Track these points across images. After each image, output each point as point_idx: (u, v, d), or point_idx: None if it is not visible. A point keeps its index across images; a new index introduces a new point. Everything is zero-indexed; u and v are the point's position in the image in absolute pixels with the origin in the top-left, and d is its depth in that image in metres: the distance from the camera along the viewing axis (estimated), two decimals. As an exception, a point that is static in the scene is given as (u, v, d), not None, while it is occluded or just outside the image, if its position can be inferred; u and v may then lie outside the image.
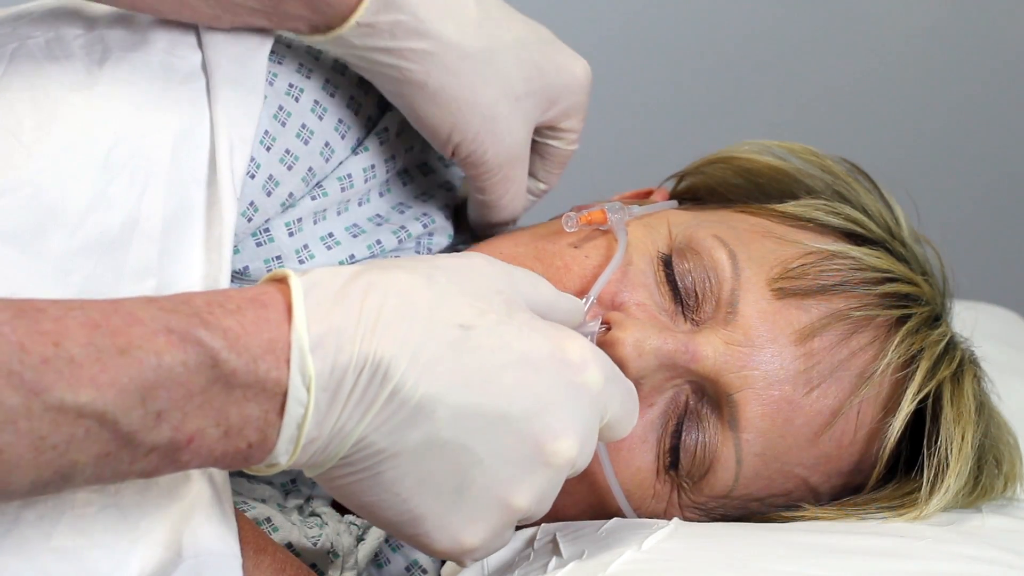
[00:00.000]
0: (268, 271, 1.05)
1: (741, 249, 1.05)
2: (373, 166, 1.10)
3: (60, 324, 0.73)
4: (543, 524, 1.02)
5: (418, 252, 1.13)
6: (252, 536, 0.95)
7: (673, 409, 1.02)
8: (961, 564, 0.95)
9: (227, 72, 1.02)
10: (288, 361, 0.77)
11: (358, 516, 1.07)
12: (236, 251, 1.04)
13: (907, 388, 1.04)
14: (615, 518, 1.02)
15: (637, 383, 1.00)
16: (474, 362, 0.81)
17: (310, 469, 0.81)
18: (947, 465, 1.03)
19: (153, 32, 1.02)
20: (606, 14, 2.32)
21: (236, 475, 1.08)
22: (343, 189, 1.08)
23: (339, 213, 1.09)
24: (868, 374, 1.03)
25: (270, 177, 1.03)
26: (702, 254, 1.05)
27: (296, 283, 0.79)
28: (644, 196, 1.21)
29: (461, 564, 0.87)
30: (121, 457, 0.75)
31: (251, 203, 1.03)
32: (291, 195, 1.05)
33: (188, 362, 0.75)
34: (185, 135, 0.98)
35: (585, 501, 1.04)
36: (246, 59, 1.03)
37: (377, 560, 1.08)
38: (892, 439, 1.04)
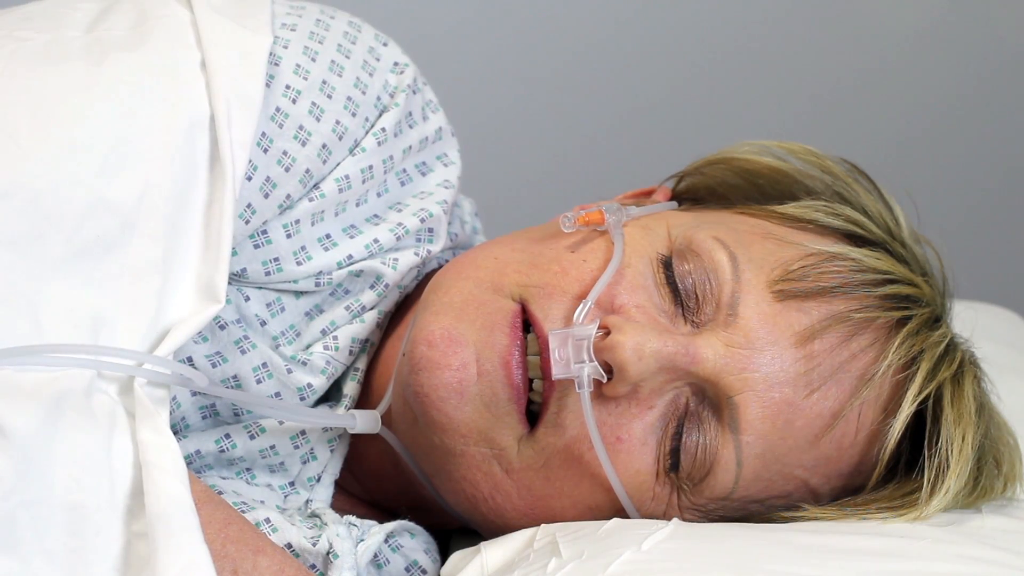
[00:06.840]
0: (266, 273, 1.05)
1: (741, 251, 1.05)
2: (371, 167, 1.09)
3: None
4: (543, 525, 1.02)
5: (416, 252, 1.13)
6: (251, 537, 0.94)
7: (673, 412, 1.03)
8: (961, 565, 0.96)
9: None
10: None
11: (358, 517, 1.08)
12: (234, 253, 1.03)
13: (907, 390, 1.04)
14: (615, 519, 1.02)
15: (637, 386, 1.01)
16: None
17: None
18: (947, 466, 1.04)
19: (152, 32, 1.02)
20: (606, 12, 2.32)
21: (236, 478, 1.08)
22: (341, 190, 1.08)
23: (336, 214, 1.09)
24: (868, 376, 1.04)
25: (267, 179, 1.03)
26: (702, 256, 1.05)
27: None
28: (645, 195, 1.21)
29: None
30: None
31: (248, 205, 1.03)
32: (288, 197, 1.05)
33: None
34: (185, 137, 0.98)
35: (584, 503, 1.04)
36: (244, 60, 1.03)
37: (376, 560, 1.08)
38: (892, 440, 1.04)
